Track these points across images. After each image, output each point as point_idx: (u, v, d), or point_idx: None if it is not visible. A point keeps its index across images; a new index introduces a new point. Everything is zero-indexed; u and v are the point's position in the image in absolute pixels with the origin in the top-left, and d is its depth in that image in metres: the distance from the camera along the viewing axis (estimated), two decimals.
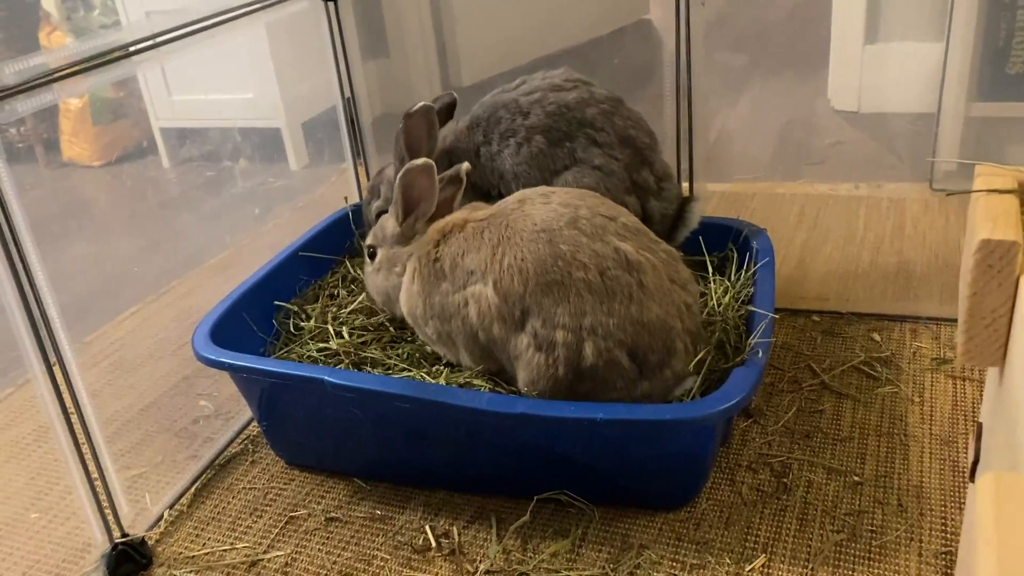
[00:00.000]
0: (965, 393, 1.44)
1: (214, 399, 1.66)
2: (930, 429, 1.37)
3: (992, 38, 2.12)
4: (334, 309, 1.57)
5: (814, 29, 2.95)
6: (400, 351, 1.44)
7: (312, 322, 1.52)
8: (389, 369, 1.39)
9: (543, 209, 1.27)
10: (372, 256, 1.45)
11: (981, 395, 1.43)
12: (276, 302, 1.55)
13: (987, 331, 0.74)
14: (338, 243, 1.75)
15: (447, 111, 1.65)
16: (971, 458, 0.89)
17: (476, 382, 1.32)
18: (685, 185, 1.83)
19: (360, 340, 1.47)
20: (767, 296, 1.40)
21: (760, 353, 1.24)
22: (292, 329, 1.54)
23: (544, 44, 3.41)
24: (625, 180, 1.54)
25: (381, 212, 1.59)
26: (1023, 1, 2.08)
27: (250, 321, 1.48)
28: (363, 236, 1.61)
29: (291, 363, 1.37)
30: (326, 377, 1.24)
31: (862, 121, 2.68)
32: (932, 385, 1.47)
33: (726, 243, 1.62)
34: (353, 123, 2.15)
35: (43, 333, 1.12)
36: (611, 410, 1.14)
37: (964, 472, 1.27)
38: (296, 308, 1.56)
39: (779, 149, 2.63)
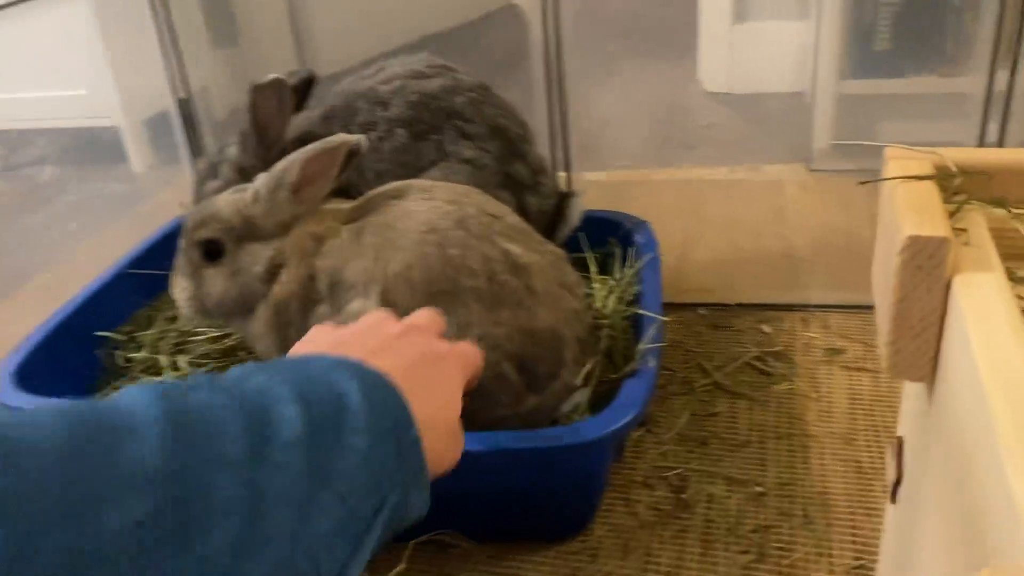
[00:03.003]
0: (861, 384, 1.38)
1: None
2: (829, 427, 1.29)
3: (859, 15, 2.10)
4: (173, 334, 1.36)
5: (682, 10, 2.90)
6: None
7: (143, 352, 1.31)
8: None
9: (426, 206, 1.10)
10: (213, 254, 1.13)
11: (876, 387, 1.37)
12: (98, 332, 1.33)
13: (916, 342, 0.64)
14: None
15: (304, 89, 1.46)
16: (891, 477, 0.79)
17: None
18: (562, 175, 1.72)
19: (204, 368, 1.27)
20: (654, 296, 1.29)
21: (651, 361, 1.12)
22: (123, 362, 1.32)
23: (408, 30, 3.24)
24: (498, 174, 1.40)
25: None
26: None
27: (68, 358, 1.26)
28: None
29: None
30: None
31: (734, 102, 2.64)
32: (828, 379, 1.40)
33: (607, 238, 1.51)
34: (191, 123, 1.95)
35: None
36: (492, 440, 1.00)
37: (868, 474, 1.20)
38: (124, 337, 1.35)
39: (654, 135, 2.56)
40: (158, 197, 2.50)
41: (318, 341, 0.74)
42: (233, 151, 1.39)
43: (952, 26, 2.05)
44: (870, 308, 1.61)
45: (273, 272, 1.13)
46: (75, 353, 1.27)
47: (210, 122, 2.11)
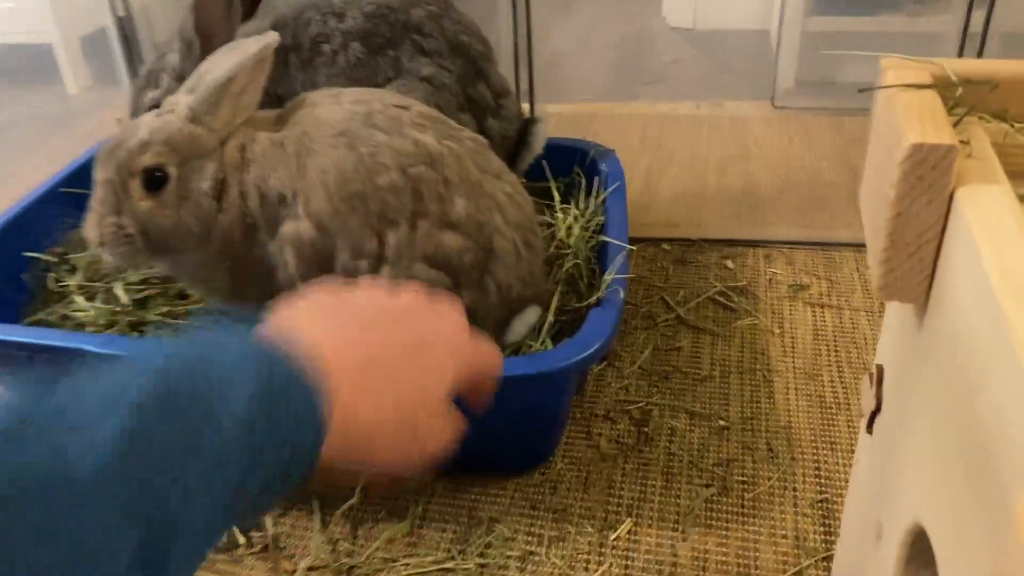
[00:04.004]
0: (825, 321, 1.35)
1: None
2: (793, 363, 1.27)
3: None
4: None
5: None
6: (191, 307, 1.18)
7: (78, 276, 1.23)
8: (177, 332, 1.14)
9: (336, 110, 1.04)
10: (158, 182, 0.99)
11: (840, 323, 1.35)
12: (28, 253, 1.24)
13: (911, 260, 0.60)
14: None
15: None
16: (869, 406, 0.76)
17: None
18: (525, 106, 1.65)
19: (140, 296, 1.19)
20: (620, 225, 1.24)
21: (618, 291, 1.08)
22: (53, 286, 1.24)
23: None
24: (459, 95, 1.33)
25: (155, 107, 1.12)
26: None
27: None
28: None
29: (39, 330, 1.09)
30: (87, 347, 0.97)
31: (699, 39, 2.58)
32: (791, 314, 1.37)
33: (571, 167, 1.45)
34: (130, 42, 1.84)
35: None
36: None
37: (832, 409, 1.18)
38: (56, 259, 1.26)
39: (616, 68, 2.49)
40: (95, 120, 2.36)
41: (300, 306, 0.65)
42: (174, 59, 1.29)
43: None
44: (834, 245, 1.59)
45: (219, 189, 1.03)
46: (3, 276, 1.18)
47: (151, 41, 1.98)
